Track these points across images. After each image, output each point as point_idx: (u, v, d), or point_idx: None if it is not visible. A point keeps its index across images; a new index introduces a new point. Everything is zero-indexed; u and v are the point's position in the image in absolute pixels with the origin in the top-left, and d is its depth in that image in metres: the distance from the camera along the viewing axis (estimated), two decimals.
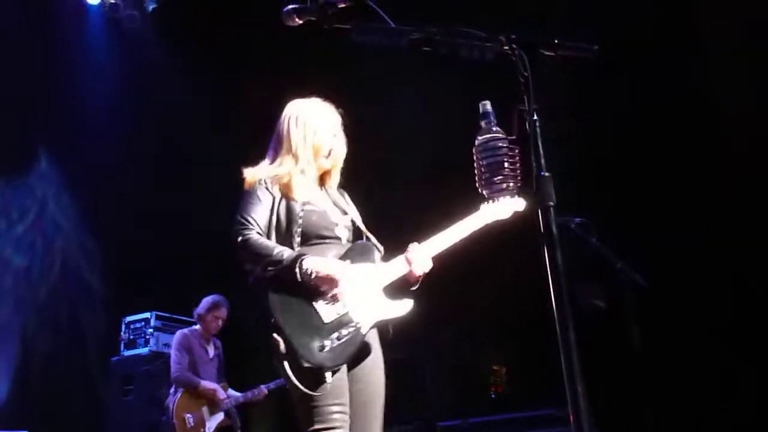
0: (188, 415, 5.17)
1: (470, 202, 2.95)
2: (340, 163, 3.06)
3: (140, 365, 5.67)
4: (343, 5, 2.24)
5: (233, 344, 5.60)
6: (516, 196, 2.81)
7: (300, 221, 2.83)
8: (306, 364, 2.62)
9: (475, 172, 2.08)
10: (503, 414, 5.91)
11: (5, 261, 6.53)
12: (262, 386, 5.56)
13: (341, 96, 3.16)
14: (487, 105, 2.09)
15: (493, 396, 6.76)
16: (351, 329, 2.70)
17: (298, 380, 2.62)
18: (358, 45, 2.26)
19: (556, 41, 1.97)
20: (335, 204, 3.01)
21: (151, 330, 5.87)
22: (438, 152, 5.97)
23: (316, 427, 2.65)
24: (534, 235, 1.96)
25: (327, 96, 3.12)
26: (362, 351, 2.81)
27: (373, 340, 2.88)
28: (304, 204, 2.86)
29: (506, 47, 1.98)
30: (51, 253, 6.76)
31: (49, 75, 6.68)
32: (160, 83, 6.90)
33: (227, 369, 5.80)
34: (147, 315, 6.04)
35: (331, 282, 2.69)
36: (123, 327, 5.97)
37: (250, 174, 2.93)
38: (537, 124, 1.94)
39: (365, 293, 2.78)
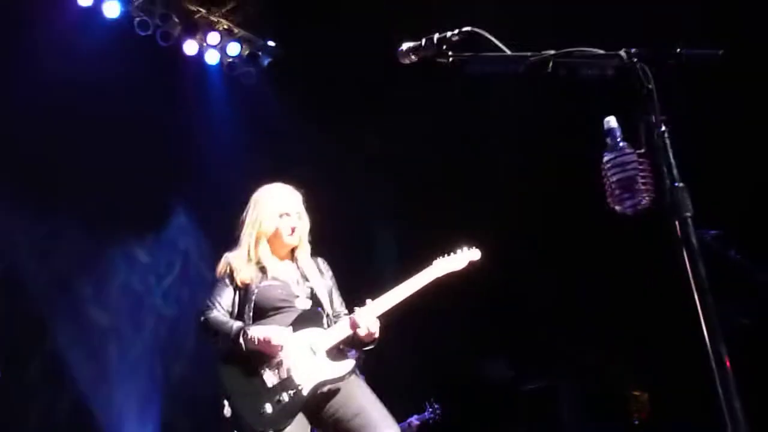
0: None
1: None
2: (305, 237, 3.27)
3: None
4: (457, 38, 2.27)
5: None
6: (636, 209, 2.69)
7: (253, 298, 3.05)
8: (249, 428, 2.80)
9: (606, 189, 2.06)
10: None
11: (150, 312, 6.87)
12: (413, 418, 5.61)
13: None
14: (612, 121, 2.07)
15: (636, 423, 6.54)
16: (291, 392, 2.88)
17: None
18: (474, 76, 2.29)
19: (679, 50, 1.95)
20: (303, 276, 3.19)
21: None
22: None
23: None
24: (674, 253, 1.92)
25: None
26: (323, 401, 2.95)
27: (344, 383, 2.99)
28: (261, 281, 3.08)
29: (627, 62, 1.97)
30: (196, 302, 7.08)
31: (177, 134, 7.04)
32: (279, 134, 7.17)
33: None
34: None
35: (271, 346, 2.86)
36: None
37: (220, 264, 3.20)
38: (666, 135, 1.91)
39: (308, 357, 2.95)
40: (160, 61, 7.03)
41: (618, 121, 2.06)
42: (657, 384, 6.49)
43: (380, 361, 4.12)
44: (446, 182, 6.72)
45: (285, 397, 2.86)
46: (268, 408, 2.83)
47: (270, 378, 2.89)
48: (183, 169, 6.99)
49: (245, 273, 3.10)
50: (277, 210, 3.22)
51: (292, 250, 3.29)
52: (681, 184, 1.87)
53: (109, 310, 6.60)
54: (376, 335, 3.06)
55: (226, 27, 7.35)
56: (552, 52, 2.06)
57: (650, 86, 1.92)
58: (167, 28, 6.96)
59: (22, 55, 6.05)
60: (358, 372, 3.12)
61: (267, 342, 2.87)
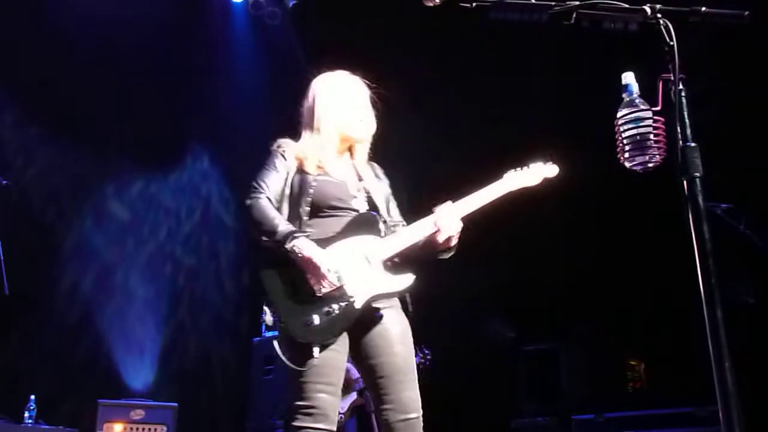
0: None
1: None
2: (367, 137, 2.98)
3: None
4: None
5: None
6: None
7: (311, 191, 2.78)
8: (290, 338, 2.59)
9: (618, 145, 2.06)
10: (640, 410, 5.75)
11: (157, 252, 6.95)
12: None
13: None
14: (629, 76, 2.05)
15: (630, 391, 6.59)
16: (343, 303, 2.63)
17: (284, 353, 2.59)
18: (496, 22, 2.27)
19: (704, 9, 1.92)
20: (360, 177, 2.94)
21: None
22: None
23: (297, 403, 2.60)
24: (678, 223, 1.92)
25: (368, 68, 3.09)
26: (366, 326, 2.71)
27: (391, 316, 2.76)
28: (318, 175, 2.81)
29: (651, 17, 1.95)
30: (200, 245, 7.16)
31: (198, 72, 7.03)
32: (300, 76, 7.13)
33: None
34: None
35: (312, 265, 2.60)
36: (265, 309, 6.16)
37: (276, 144, 2.92)
38: (683, 93, 1.90)
39: (362, 266, 2.70)
40: None
41: (636, 77, 2.06)
42: (654, 354, 6.52)
43: None
44: (477, 134, 6.63)
45: (335, 308, 2.61)
46: (316, 319, 2.58)
47: (320, 290, 2.64)
48: (202, 107, 6.98)
49: (312, 161, 2.83)
50: (345, 101, 2.93)
51: (350, 149, 3.00)
52: (693, 144, 1.87)
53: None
54: (455, 241, 2.78)
55: None
56: (576, 2, 2.04)
57: (672, 43, 1.91)
58: None
59: None
60: (409, 302, 2.85)
61: (309, 261, 2.59)
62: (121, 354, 6.25)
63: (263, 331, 6.15)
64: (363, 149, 3.00)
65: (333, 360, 2.63)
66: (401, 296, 2.83)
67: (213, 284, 7.03)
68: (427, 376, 5.67)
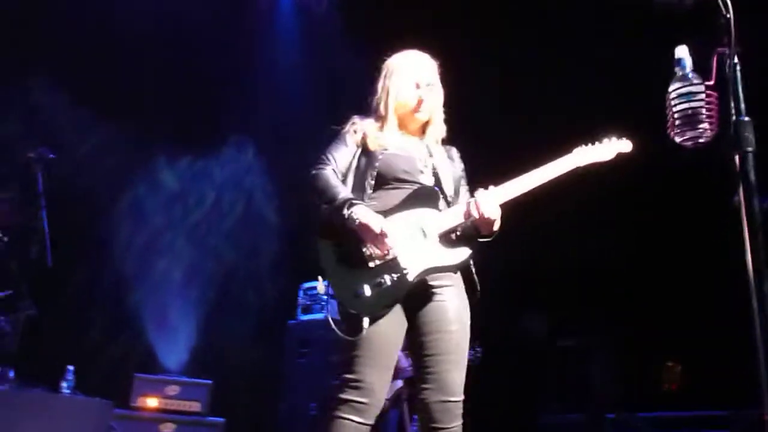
0: None
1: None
2: (438, 114, 2.95)
3: (316, 330, 5.87)
4: None
5: None
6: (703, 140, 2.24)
7: (377, 164, 2.76)
8: (342, 308, 2.57)
9: (668, 120, 2.03)
10: (675, 411, 5.67)
11: (195, 233, 7.03)
12: None
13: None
14: (682, 50, 2.02)
15: (666, 392, 6.50)
16: (395, 275, 2.58)
17: (336, 325, 2.56)
18: None
19: None
20: (429, 154, 2.90)
21: (326, 297, 6.04)
22: None
23: (345, 375, 2.56)
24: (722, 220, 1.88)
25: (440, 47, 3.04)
26: (423, 301, 2.67)
27: (451, 294, 2.70)
28: (385, 150, 2.80)
29: None
30: (235, 227, 7.22)
31: (241, 57, 7.09)
32: (345, 65, 7.15)
33: None
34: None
35: (369, 231, 2.56)
36: (301, 292, 6.21)
37: (347, 125, 2.91)
38: (738, 67, 1.87)
39: (418, 239, 2.66)
40: None
41: (690, 51, 2.03)
42: (691, 356, 6.42)
43: None
44: (513, 127, 6.57)
45: (387, 279, 2.57)
46: (367, 290, 2.54)
47: (373, 259, 2.61)
48: (243, 93, 7.03)
49: (373, 139, 2.81)
50: (405, 79, 2.90)
51: (424, 128, 2.97)
52: (747, 118, 1.84)
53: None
54: (495, 226, 2.71)
55: None
56: None
57: (728, 16, 1.88)
58: None
59: None
60: (477, 282, 2.79)
61: (366, 227, 2.56)
62: (157, 331, 6.35)
63: (299, 313, 6.18)
64: (435, 129, 2.97)
65: (385, 336, 2.60)
66: (468, 276, 2.79)
67: (249, 266, 7.09)
68: (473, 374, 5.70)
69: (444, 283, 2.71)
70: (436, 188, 2.80)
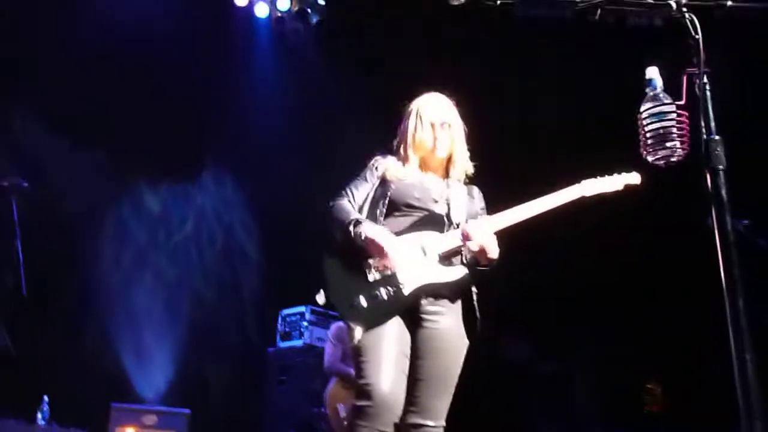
0: (340, 405, 5.28)
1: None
2: (459, 153, 3.02)
3: (295, 357, 5.86)
4: None
5: None
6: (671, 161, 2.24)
7: (389, 193, 2.86)
8: (341, 318, 2.73)
9: (640, 140, 2.06)
10: None
11: (173, 261, 6.99)
12: None
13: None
14: (653, 71, 2.06)
15: (646, 414, 6.52)
16: (391, 289, 2.68)
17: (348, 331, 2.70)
18: (522, 19, 2.28)
19: (729, 3, 1.93)
20: (447, 188, 2.96)
21: (305, 323, 6.06)
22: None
23: (357, 382, 2.64)
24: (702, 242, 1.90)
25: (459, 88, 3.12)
26: (424, 324, 2.74)
27: (448, 321, 2.76)
28: (400, 179, 2.90)
29: (676, 11, 1.96)
30: (213, 255, 7.19)
31: (219, 85, 7.08)
32: (321, 94, 7.18)
33: None
34: (302, 309, 6.22)
35: (375, 245, 2.68)
36: (279, 319, 6.20)
37: (374, 158, 3.04)
38: (707, 87, 1.90)
39: (417, 257, 2.74)
40: (209, 10, 7.06)
41: (660, 72, 2.06)
42: (671, 378, 6.45)
43: None
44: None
45: (383, 293, 2.68)
46: (363, 301, 2.67)
47: (373, 272, 2.72)
48: (220, 121, 7.03)
49: (393, 171, 2.93)
50: (423, 120, 2.99)
51: (447, 169, 3.04)
52: (717, 137, 1.87)
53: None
54: (492, 255, 2.74)
55: None
56: None
57: (697, 37, 1.92)
58: None
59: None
60: (477, 308, 2.85)
61: (371, 241, 2.68)
62: (134, 360, 6.27)
63: (278, 340, 6.15)
64: (457, 168, 3.03)
65: (388, 340, 2.65)
66: (469, 305, 2.85)
67: (227, 293, 7.06)
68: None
69: (441, 310, 2.78)
70: (444, 216, 2.86)
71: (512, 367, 7.09)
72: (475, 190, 3.06)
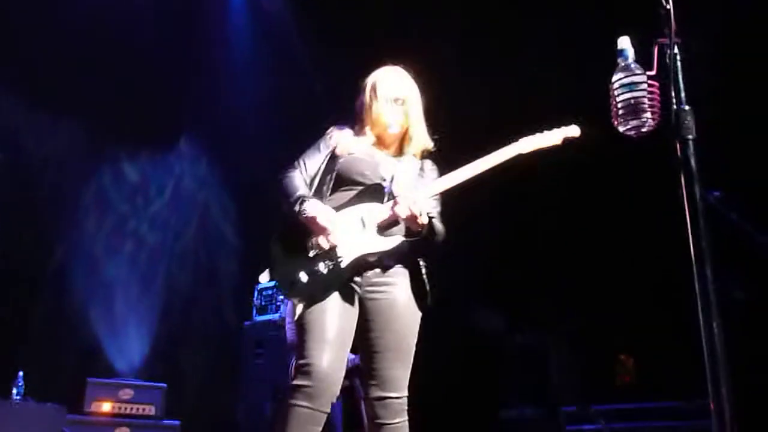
0: None
1: None
2: (416, 128, 2.97)
3: (270, 330, 5.85)
4: None
5: None
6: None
7: (336, 167, 2.86)
8: (284, 295, 2.71)
9: (612, 110, 2.06)
10: (629, 403, 5.77)
11: (146, 234, 6.94)
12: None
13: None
14: (624, 41, 2.06)
15: (619, 385, 6.60)
16: (330, 263, 2.70)
17: (288, 314, 2.70)
18: None
19: None
20: (398, 163, 2.94)
21: (282, 297, 6.02)
22: None
23: (301, 361, 2.60)
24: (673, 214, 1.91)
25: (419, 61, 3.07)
26: (373, 296, 2.75)
27: (398, 292, 2.77)
28: (349, 154, 2.89)
29: None
30: (186, 228, 7.16)
31: (193, 53, 7.01)
32: (296, 63, 7.13)
33: None
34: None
35: (316, 224, 2.69)
36: (256, 293, 6.18)
37: (330, 129, 3.02)
38: (678, 57, 1.91)
39: (356, 230, 2.76)
40: None
41: (631, 42, 2.07)
42: (644, 350, 6.53)
43: None
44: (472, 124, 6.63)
45: (322, 267, 2.69)
46: (303, 277, 2.67)
47: (314, 248, 2.73)
48: (196, 90, 6.97)
49: (343, 146, 2.91)
50: (382, 95, 2.95)
51: (402, 145, 3.01)
52: (687, 107, 1.88)
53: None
54: (421, 220, 2.71)
55: None
56: None
57: (668, 7, 1.92)
58: None
59: None
60: (426, 282, 2.85)
61: (313, 220, 2.69)
62: (109, 335, 6.25)
63: (254, 314, 6.14)
64: (413, 144, 2.99)
65: (330, 318, 2.65)
66: (418, 278, 2.83)
67: (202, 267, 7.04)
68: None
69: (390, 281, 2.79)
70: (384, 187, 2.83)
71: (485, 338, 7.15)
72: (428, 163, 3.02)
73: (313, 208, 2.72)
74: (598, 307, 6.53)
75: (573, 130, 2.90)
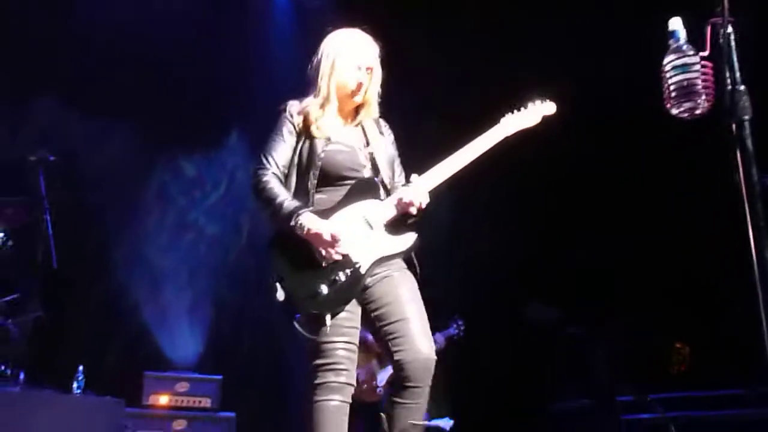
0: (358, 370, 5.27)
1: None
2: (373, 97, 2.94)
3: None
4: None
5: None
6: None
7: (319, 163, 2.77)
8: (302, 310, 2.64)
9: (664, 92, 2.03)
10: (686, 392, 5.67)
11: (200, 229, 7.04)
12: (437, 334, 5.54)
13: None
14: (676, 22, 2.02)
15: (675, 374, 6.50)
16: (348, 270, 2.67)
17: (299, 325, 2.65)
18: None
19: None
20: (367, 142, 2.92)
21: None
22: None
23: (318, 361, 2.64)
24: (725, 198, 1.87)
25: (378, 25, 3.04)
26: (372, 284, 2.75)
27: (398, 274, 2.80)
28: (327, 142, 2.80)
29: None
30: (239, 222, 7.22)
31: (239, 55, 7.09)
32: None
33: None
34: None
35: (322, 240, 2.63)
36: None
37: (283, 106, 2.91)
38: (731, 36, 1.87)
39: (364, 232, 2.74)
40: None
41: (684, 23, 2.03)
42: (700, 338, 6.42)
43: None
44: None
45: (341, 276, 2.64)
46: (324, 289, 2.61)
47: (326, 260, 2.67)
48: (240, 91, 7.03)
49: (316, 127, 2.81)
50: (346, 60, 2.87)
51: (357, 109, 2.96)
52: (742, 87, 1.84)
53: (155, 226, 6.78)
54: (423, 207, 2.79)
55: None
56: None
57: None
58: None
59: None
60: (414, 259, 2.88)
61: (317, 236, 2.63)
62: (166, 329, 6.35)
63: None
64: (368, 109, 2.96)
65: (347, 320, 2.69)
66: (407, 257, 2.86)
67: (258, 261, 7.09)
68: (459, 348, 5.72)
69: (389, 269, 2.80)
70: (375, 179, 2.85)
71: (539, 330, 7.09)
72: (382, 123, 3.02)
73: (313, 223, 2.65)
74: (652, 296, 6.44)
75: (549, 107, 2.97)
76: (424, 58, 6.64)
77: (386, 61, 2.97)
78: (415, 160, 2.98)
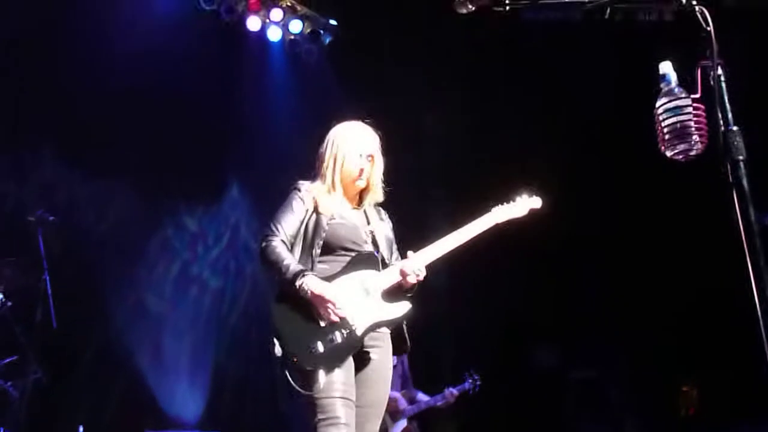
0: None
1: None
2: (376, 183, 3.20)
3: None
4: None
5: (419, 351, 5.68)
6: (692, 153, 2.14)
7: (323, 234, 3.00)
8: (298, 366, 2.77)
9: (658, 135, 2.04)
10: None
11: (203, 283, 7.02)
12: (451, 389, 5.57)
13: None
14: (666, 66, 2.04)
15: (683, 416, 6.43)
16: (345, 331, 2.84)
17: (294, 380, 2.77)
18: (529, 23, 2.29)
19: None
20: (368, 221, 3.18)
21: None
22: None
23: (319, 417, 2.74)
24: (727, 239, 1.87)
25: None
26: (364, 356, 2.94)
27: (384, 354, 3.01)
28: (332, 218, 3.03)
29: (686, 4, 1.95)
30: (243, 276, 7.21)
31: (237, 109, 7.15)
32: (337, 112, 7.18)
33: (418, 375, 5.91)
34: None
35: (324, 301, 2.81)
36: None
37: (295, 185, 3.17)
38: (722, 78, 1.89)
39: (361, 297, 2.93)
40: (223, 37, 7.14)
41: (674, 66, 2.05)
42: (707, 380, 6.36)
43: (426, 332, 4.06)
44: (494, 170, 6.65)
45: (338, 336, 2.82)
46: (320, 347, 2.78)
47: (324, 320, 2.84)
48: (240, 144, 7.08)
49: (329, 205, 3.06)
50: (349, 151, 3.15)
51: (361, 194, 3.24)
52: (735, 128, 1.85)
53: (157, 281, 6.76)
54: (422, 279, 3.02)
55: (289, 4, 7.42)
56: None
57: (709, 29, 1.91)
58: (231, 3, 7.09)
59: (85, 27, 6.18)
60: (407, 338, 3.11)
61: (320, 298, 2.81)
62: (166, 385, 6.28)
63: None
64: (372, 194, 3.23)
65: (343, 376, 2.82)
66: (398, 332, 3.08)
67: (262, 314, 7.05)
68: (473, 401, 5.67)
69: (376, 344, 3.00)
70: (375, 253, 3.08)
71: (547, 376, 7.04)
72: (382, 211, 3.29)
73: (316, 285, 2.83)
74: (656, 340, 6.40)
75: (536, 202, 3.28)
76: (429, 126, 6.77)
77: (393, 129, 3.28)
78: (424, 224, 3.16)
